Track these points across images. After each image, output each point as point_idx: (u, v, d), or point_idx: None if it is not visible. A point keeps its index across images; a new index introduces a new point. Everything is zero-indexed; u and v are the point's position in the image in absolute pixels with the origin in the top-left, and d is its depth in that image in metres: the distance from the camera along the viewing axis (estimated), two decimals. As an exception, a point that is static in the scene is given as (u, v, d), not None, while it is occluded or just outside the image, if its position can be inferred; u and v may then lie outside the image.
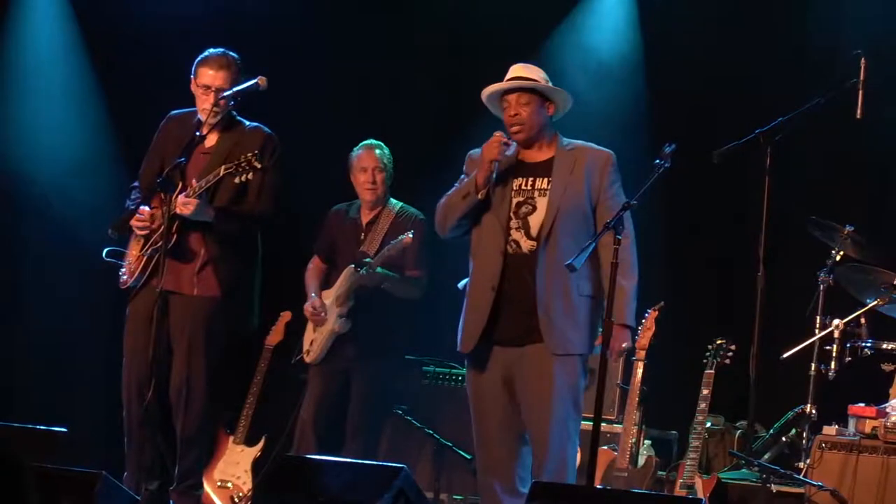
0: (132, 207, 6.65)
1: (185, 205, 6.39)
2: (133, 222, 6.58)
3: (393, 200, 7.59)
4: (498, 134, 5.90)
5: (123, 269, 6.70)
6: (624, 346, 5.86)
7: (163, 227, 6.43)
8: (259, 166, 6.31)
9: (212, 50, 6.64)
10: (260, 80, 6.53)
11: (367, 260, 7.28)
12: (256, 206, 6.55)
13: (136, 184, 6.82)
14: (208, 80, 6.56)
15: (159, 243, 6.45)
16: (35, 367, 8.89)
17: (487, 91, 6.01)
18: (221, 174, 6.37)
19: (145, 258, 6.57)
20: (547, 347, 5.85)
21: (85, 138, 9.06)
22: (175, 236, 6.46)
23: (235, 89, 6.55)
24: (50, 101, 9.06)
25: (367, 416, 7.47)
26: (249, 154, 6.33)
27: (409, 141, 9.08)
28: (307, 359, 7.49)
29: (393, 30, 9.10)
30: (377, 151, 7.54)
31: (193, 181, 6.47)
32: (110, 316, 8.69)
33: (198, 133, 6.52)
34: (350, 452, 7.33)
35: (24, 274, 8.93)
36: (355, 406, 7.46)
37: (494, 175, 5.92)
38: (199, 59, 6.64)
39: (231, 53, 6.63)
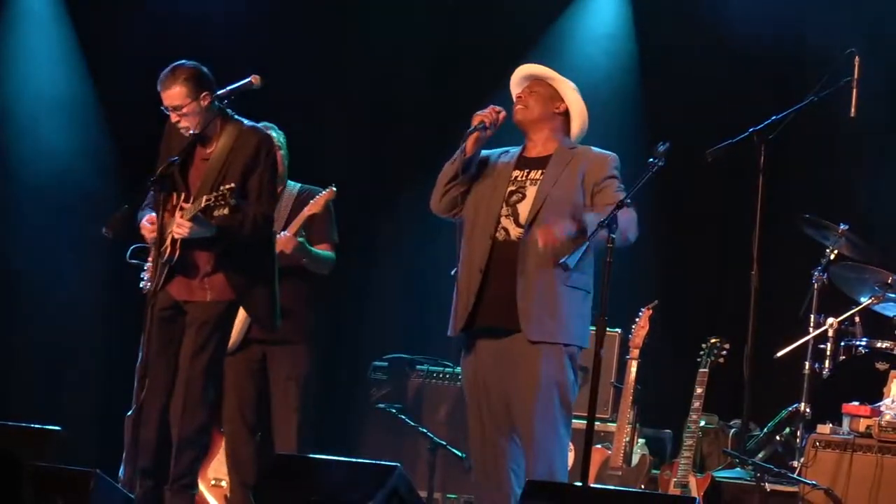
0: (124, 209, 6.64)
1: (179, 227, 6.41)
2: (144, 231, 6.58)
3: (291, 182, 7.51)
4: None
5: (144, 275, 6.72)
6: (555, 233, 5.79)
7: (168, 236, 6.44)
8: (234, 203, 6.29)
9: (164, 70, 6.56)
10: (253, 79, 6.51)
11: (283, 231, 7.18)
12: (258, 209, 6.54)
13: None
14: (165, 101, 6.51)
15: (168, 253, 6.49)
16: (30, 366, 8.89)
17: (516, 74, 6.19)
18: (203, 205, 6.37)
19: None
20: (525, 336, 5.85)
21: (83, 143, 9.05)
22: (178, 252, 6.47)
23: (228, 88, 6.53)
24: (47, 105, 9.05)
25: (292, 396, 7.30)
26: (226, 189, 6.30)
27: (406, 141, 9.10)
28: None
29: (390, 29, 9.10)
30: (272, 132, 7.44)
31: (184, 204, 6.47)
32: (105, 316, 8.72)
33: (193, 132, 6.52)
34: (281, 437, 7.25)
35: (21, 274, 8.92)
36: (277, 388, 7.30)
37: (484, 134, 5.98)
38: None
39: (182, 66, 6.48)
